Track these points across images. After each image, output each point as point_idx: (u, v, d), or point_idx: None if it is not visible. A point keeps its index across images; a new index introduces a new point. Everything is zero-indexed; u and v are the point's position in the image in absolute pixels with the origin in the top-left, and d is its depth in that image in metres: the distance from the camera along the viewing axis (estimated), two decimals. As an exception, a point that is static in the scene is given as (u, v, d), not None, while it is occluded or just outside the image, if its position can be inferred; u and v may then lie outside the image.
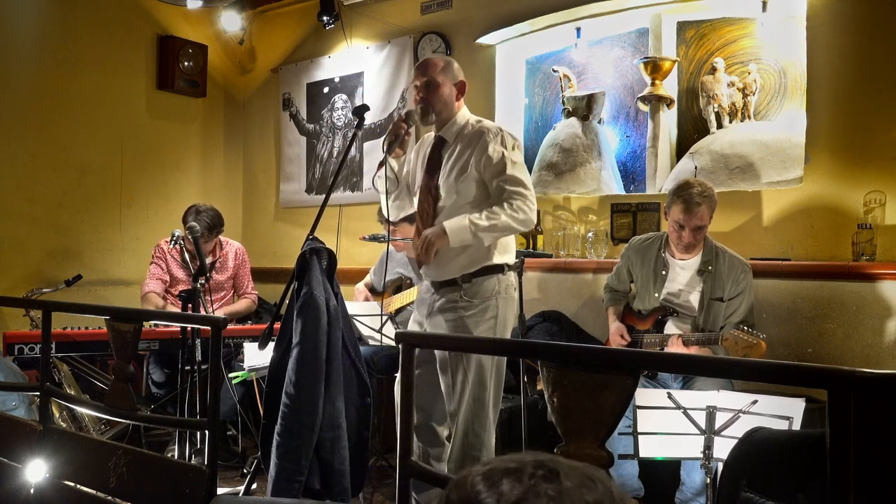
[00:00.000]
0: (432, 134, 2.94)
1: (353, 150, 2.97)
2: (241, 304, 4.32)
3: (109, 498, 2.21)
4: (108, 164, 5.10)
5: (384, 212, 2.98)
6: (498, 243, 2.78)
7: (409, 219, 3.45)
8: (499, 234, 2.69)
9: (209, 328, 2.18)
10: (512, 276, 2.82)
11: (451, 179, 2.78)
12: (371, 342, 3.65)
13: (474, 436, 2.72)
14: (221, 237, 4.31)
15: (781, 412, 2.30)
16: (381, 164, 2.81)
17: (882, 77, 3.29)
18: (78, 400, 3.44)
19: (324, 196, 2.77)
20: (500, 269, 2.76)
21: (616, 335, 3.25)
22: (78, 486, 2.33)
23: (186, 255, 3.77)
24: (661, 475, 3.03)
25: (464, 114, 2.87)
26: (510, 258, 2.82)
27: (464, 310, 2.73)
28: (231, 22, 5.56)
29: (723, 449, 2.34)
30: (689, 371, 2.72)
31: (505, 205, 2.64)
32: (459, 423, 2.72)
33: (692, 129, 4.04)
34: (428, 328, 2.83)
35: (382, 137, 2.84)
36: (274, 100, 5.70)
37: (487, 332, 2.72)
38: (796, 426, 2.29)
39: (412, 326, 2.97)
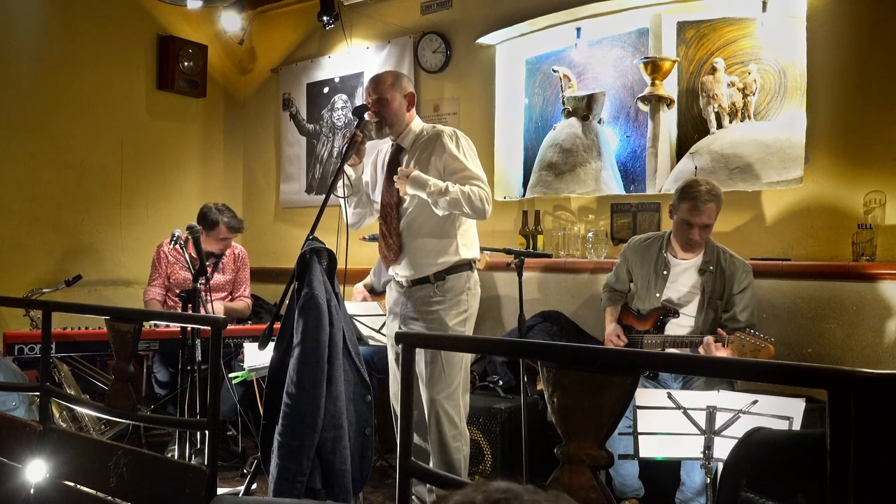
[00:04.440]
0: (387, 144, 3.09)
1: (350, 152, 3.02)
2: (237, 304, 4.32)
3: (109, 498, 2.21)
4: (108, 164, 5.10)
5: (344, 219, 3.06)
6: (464, 236, 2.96)
7: None
8: (451, 204, 2.79)
9: (209, 328, 2.18)
10: (476, 274, 3.03)
11: None
12: (371, 342, 3.65)
13: (440, 409, 2.88)
14: None
15: (781, 412, 2.31)
16: (338, 173, 2.94)
17: (882, 77, 3.29)
18: (78, 400, 3.43)
19: (324, 196, 2.80)
20: (468, 266, 2.97)
21: (612, 336, 3.24)
22: (78, 486, 2.32)
23: (187, 256, 3.77)
24: (661, 475, 3.03)
25: (417, 122, 3.04)
26: (476, 252, 3.02)
27: (438, 304, 2.90)
28: (231, 22, 5.55)
29: (723, 449, 2.34)
30: (689, 371, 2.72)
31: (464, 185, 2.82)
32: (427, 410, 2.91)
33: (692, 129, 4.04)
34: (403, 327, 2.95)
35: (342, 146, 2.99)
36: (274, 100, 5.70)
37: (459, 326, 2.92)
38: (796, 426, 2.29)
39: (390, 326, 3.07)
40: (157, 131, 5.36)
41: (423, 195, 2.81)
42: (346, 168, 2.98)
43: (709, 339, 2.92)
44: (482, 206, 2.80)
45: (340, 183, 2.94)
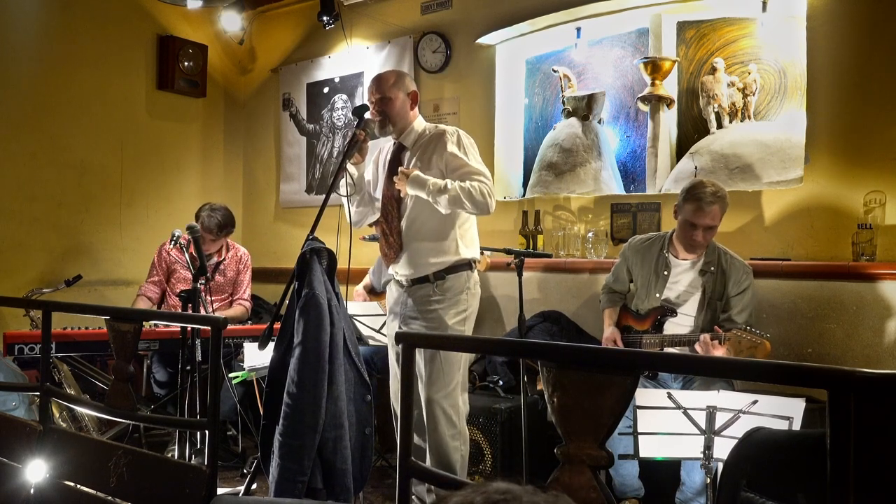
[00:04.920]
0: (389, 143, 3.10)
1: (352, 150, 3.02)
2: (235, 311, 4.30)
3: (109, 498, 2.21)
4: (108, 164, 5.10)
5: (347, 217, 3.06)
6: (464, 236, 2.97)
7: None
8: (452, 202, 2.80)
9: (209, 328, 2.17)
10: (476, 274, 3.03)
11: None
12: (371, 342, 3.65)
13: (438, 409, 2.89)
14: (229, 240, 4.33)
15: (781, 412, 2.31)
16: (339, 170, 2.94)
17: (882, 77, 3.29)
18: (78, 400, 3.43)
19: (324, 196, 2.80)
20: (468, 266, 2.97)
21: (609, 342, 3.23)
22: (78, 486, 2.32)
23: (187, 256, 3.77)
24: (661, 475, 3.03)
25: (420, 121, 3.05)
26: (476, 252, 3.03)
27: (438, 303, 2.92)
28: (231, 22, 5.55)
29: (723, 449, 2.34)
30: (688, 371, 2.72)
31: (465, 181, 2.82)
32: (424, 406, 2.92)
33: (692, 129, 4.04)
34: (403, 326, 2.96)
35: (344, 145, 3.00)
36: (274, 100, 5.70)
37: (458, 325, 2.93)
38: (796, 426, 2.29)
39: (391, 326, 3.08)
40: (157, 131, 5.36)
41: (423, 195, 2.81)
42: (349, 167, 2.98)
43: (705, 336, 2.92)
44: (484, 201, 2.79)
45: (343, 181, 2.94)
